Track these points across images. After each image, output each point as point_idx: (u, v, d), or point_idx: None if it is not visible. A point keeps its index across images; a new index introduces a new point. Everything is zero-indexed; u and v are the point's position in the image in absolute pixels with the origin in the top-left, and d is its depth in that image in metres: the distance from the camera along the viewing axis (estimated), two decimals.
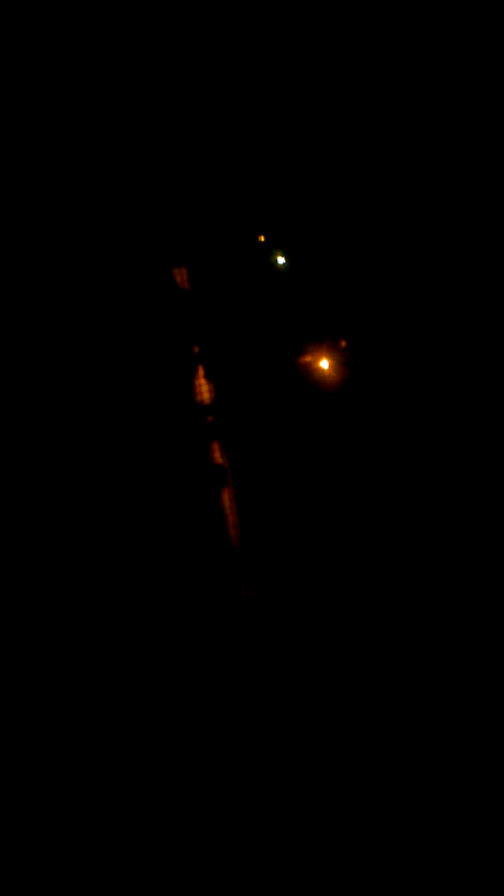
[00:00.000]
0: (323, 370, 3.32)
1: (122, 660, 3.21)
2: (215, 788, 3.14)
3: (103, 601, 3.23)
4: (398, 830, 2.98)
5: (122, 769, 3.11)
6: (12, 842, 2.94)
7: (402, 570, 3.23)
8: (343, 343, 3.32)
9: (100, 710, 3.16)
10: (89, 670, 3.19)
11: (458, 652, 3.13)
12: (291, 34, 3.20)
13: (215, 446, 3.34)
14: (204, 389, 3.34)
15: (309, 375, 3.34)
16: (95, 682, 3.18)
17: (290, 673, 3.29)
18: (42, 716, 3.10)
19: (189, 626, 3.28)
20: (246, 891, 2.96)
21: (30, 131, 3.26)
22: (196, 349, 3.34)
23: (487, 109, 3.00)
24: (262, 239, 3.29)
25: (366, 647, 3.23)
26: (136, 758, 3.14)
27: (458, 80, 3.03)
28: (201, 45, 3.25)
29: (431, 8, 3.02)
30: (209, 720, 3.22)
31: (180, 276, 3.35)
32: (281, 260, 3.28)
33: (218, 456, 3.34)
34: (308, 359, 3.33)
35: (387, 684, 3.18)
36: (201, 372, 3.34)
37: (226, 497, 3.35)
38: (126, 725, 3.16)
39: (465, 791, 2.97)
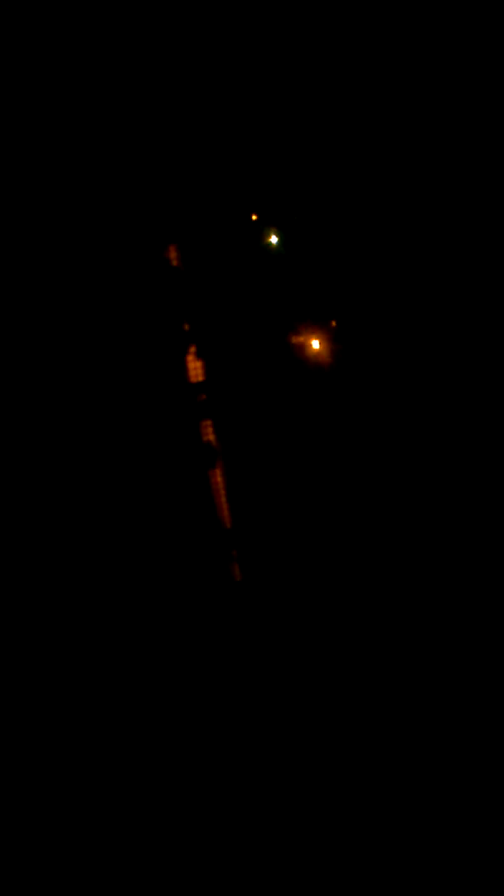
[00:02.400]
0: (314, 350, 3.32)
1: (111, 640, 3.17)
2: (208, 776, 3.11)
3: (91, 581, 3.18)
4: (398, 826, 2.98)
5: (110, 749, 3.06)
6: (12, 841, 2.87)
7: (397, 551, 3.25)
8: (334, 323, 3.33)
9: (88, 692, 3.10)
10: (76, 650, 3.13)
11: (457, 637, 3.15)
12: (282, 14, 3.21)
13: (207, 425, 3.31)
14: (195, 368, 3.31)
15: (301, 355, 3.34)
16: (83, 663, 3.13)
17: (281, 656, 3.28)
18: (30, 693, 3.04)
19: (179, 608, 3.25)
20: (246, 889, 2.94)
21: (20, 107, 3.20)
22: (187, 327, 3.31)
23: (481, 89, 3.05)
24: (255, 217, 3.28)
25: (360, 630, 3.24)
26: (125, 739, 3.09)
27: (450, 57, 3.07)
28: (193, 24, 3.23)
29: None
30: (200, 703, 3.19)
31: (171, 253, 3.32)
32: (274, 239, 3.28)
33: (210, 435, 3.31)
34: (300, 338, 3.33)
35: (382, 671, 3.19)
36: (193, 350, 3.31)
37: (217, 477, 3.33)
38: (115, 707, 3.12)
39: (466, 788, 2.99)
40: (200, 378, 3.31)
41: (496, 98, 3.03)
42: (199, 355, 3.30)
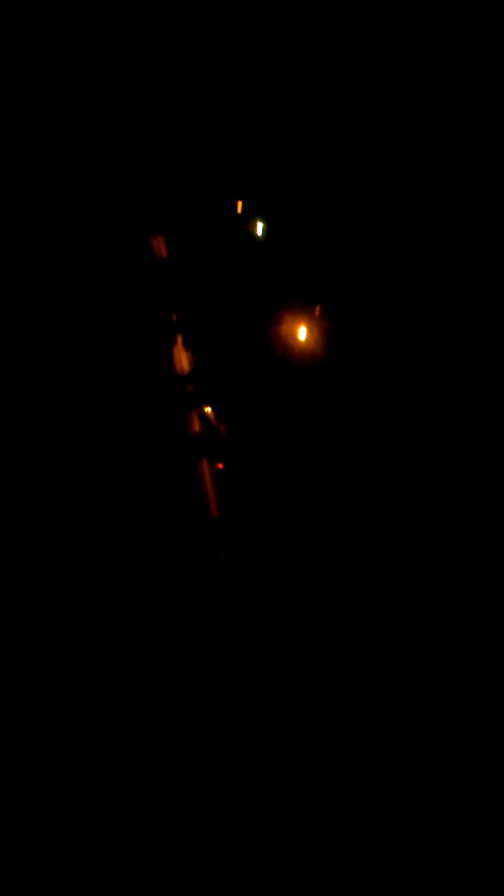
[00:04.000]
0: (300, 338, 3.30)
1: (102, 630, 3.22)
2: (196, 756, 3.16)
3: (80, 573, 3.23)
4: (394, 820, 3.00)
5: (101, 728, 3.12)
6: (12, 841, 2.95)
7: (384, 540, 3.24)
8: (318, 310, 3.30)
9: (78, 678, 3.17)
10: (67, 638, 3.19)
11: (445, 628, 3.14)
12: (264, 10, 3.14)
13: (194, 416, 3.32)
14: (183, 358, 3.32)
15: (287, 343, 3.32)
16: (74, 649, 3.19)
17: (266, 642, 3.31)
18: (24, 669, 3.11)
19: (166, 595, 3.29)
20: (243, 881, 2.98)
21: (15, 102, 3.19)
22: (174, 317, 3.31)
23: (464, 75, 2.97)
24: (240, 207, 3.25)
25: (345, 617, 3.25)
26: (115, 719, 3.15)
27: (429, 45, 2.99)
28: (184, 17, 3.18)
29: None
30: (190, 688, 3.24)
31: (158, 244, 3.31)
32: (259, 228, 3.24)
33: (197, 426, 3.33)
34: (286, 327, 3.31)
35: (369, 662, 3.20)
36: (180, 340, 3.31)
37: (205, 467, 3.35)
38: (105, 692, 3.17)
39: (463, 784, 2.99)
40: (188, 368, 3.32)
41: (476, 91, 2.95)
42: (186, 345, 3.31)
